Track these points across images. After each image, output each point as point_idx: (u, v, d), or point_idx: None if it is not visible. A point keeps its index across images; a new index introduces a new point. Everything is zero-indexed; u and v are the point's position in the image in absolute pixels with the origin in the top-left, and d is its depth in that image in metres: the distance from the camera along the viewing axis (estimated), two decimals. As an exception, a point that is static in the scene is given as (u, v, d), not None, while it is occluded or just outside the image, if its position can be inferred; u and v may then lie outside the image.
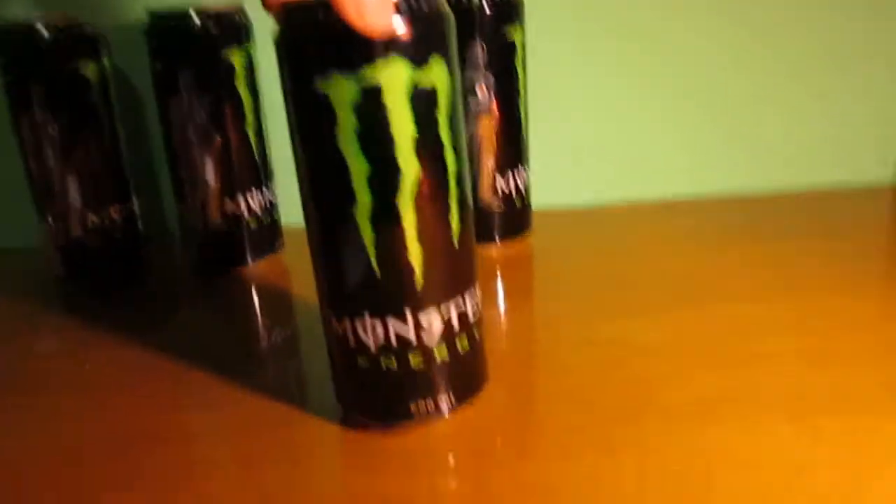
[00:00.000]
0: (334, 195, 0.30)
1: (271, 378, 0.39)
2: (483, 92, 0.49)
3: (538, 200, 0.55)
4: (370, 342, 0.31)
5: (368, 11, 0.27)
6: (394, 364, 0.32)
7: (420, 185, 0.30)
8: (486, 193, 0.51)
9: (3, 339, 0.46)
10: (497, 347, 0.39)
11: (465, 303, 0.32)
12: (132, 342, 0.43)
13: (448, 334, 0.32)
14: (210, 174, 0.50)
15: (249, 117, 0.50)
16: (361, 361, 0.32)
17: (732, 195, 0.61)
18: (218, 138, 0.49)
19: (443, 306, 0.31)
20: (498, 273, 0.50)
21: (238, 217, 0.51)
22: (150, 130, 0.59)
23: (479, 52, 0.48)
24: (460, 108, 0.31)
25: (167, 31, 0.48)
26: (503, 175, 0.51)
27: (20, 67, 0.47)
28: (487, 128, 0.50)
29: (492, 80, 0.49)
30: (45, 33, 0.46)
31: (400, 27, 0.28)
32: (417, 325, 0.31)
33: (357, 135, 0.29)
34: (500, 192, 0.51)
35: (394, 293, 0.31)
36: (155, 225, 0.59)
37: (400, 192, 0.30)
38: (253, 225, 0.51)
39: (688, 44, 0.59)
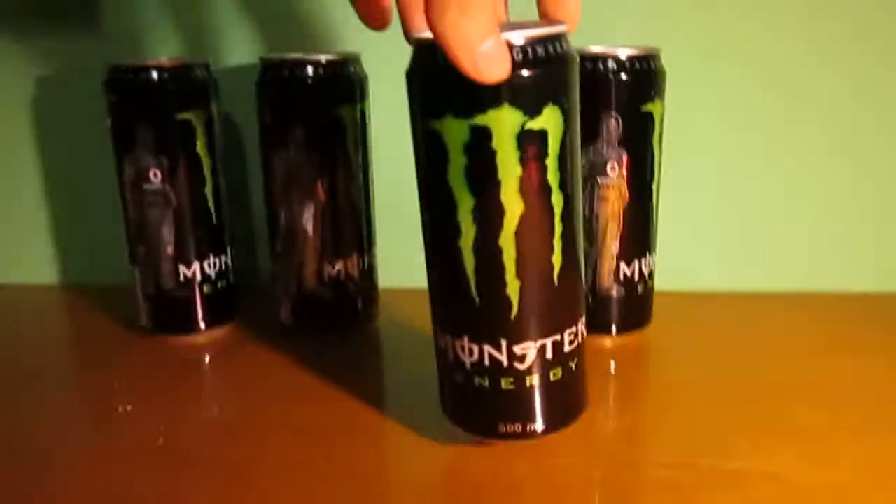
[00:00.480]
0: (443, 225, 0.32)
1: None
2: (614, 170, 0.44)
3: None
4: (466, 360, 0.33)
5: (485, 63, 0.27)
6: (486, 383, 0.33)
7: (522, 223, 0.31)
8: (605, 280, 0.46)
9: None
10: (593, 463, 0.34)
11: (562, 338, 0.33)
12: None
13: (541, 364, 0.33)
14: (311, 232, 0.46)
15: (357, 175, 0.47)
16: (458, 376, 0.34)
17: (881, 293, 0.54)
18: (322, 197, 0.46)
19: (539, 340, 0.33)
20: (611, 368, 0.45)
21: (338, 281, 0.47)
22: (248, 181, 0.57)
23: (614, 125, 0.43)
24: (575, 149, 0.32)
25: (278, 83, 0.45)
26: (629, 263, 0.46)
27: (126, 109, 0.45)
28: (615, 209, 0.44)
29: (624, 158, 0.44)
30: (155, 75, 0.44)
31: (517, 76, 0.29)
32: (511, 355, 0.33)
33: (465, 172, 0.30)
34: (622, 279, 0.46)
35: (491, 322, 0.32)
36: (245, 276, 0.56)
37: (503, 230, 0.31)
38: (351, 287, 0.48)
39: (850, 128, 0.52)
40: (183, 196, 0.47)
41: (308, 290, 0.47)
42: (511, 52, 0.28)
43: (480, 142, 0.29)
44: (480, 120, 0.29)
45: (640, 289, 0.46)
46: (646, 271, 0.46)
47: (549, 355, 0.33)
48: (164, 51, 0.54)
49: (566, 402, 0.35)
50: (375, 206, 0.49)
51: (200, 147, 0.47)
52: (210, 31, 0.54)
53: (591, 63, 0.43)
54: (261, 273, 0.58)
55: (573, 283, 0.33)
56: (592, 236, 0.45)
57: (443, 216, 0.32)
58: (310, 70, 0.44)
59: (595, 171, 0.44)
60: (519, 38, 0.29)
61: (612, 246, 0.45)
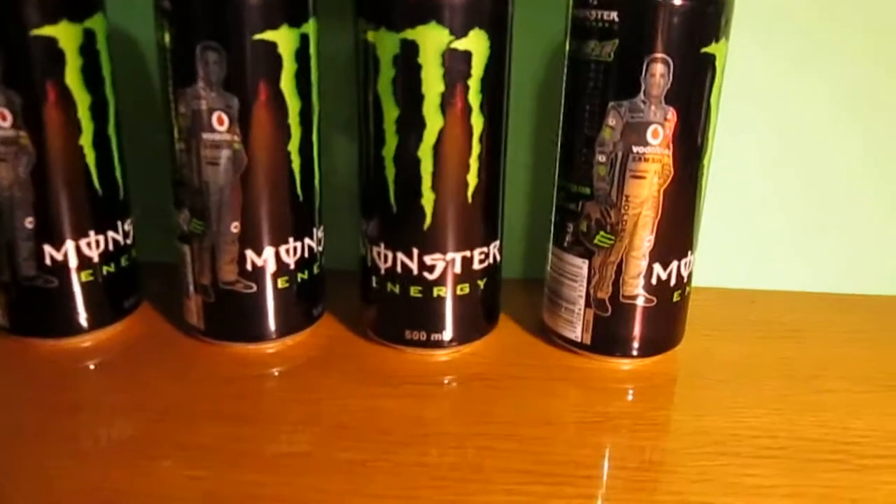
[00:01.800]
0: (369, 135, 0.33)
1: None
2: (657, 136, 0.31)
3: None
4: (381, 266, 0.34)
5: None
6: (397, 290, 0.34)
7: (441, 138, 0.32)
8: (630, 284, 0.34)
9: None
10: None
11: (472, 255, 0.34)
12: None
13: (450, 278, 0.34)
14: (235, 197, 0.33)
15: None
16: (374, 282, 0.35)
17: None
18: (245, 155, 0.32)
19: (448, 254, 0.34)
20: (627, 401, 0.33)
21: (259, 271, 0.34)
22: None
23: (661, 72, 0.30)
24: (501, 76, 0.33)
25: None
26: (665, 264, 0.34)
27: None
28: (653, 190, 0.32)
29: (673, 119, 0.31)
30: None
31: None
32: (421, 264, 0.34)
33: (392, 84, 0.31)
34: (653, 284, 0.34)
35: (405, 231, 0.33)
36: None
37: (422, 142, 0.31)
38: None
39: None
40: (48, 146, 0.33)
41: (224, 279, 0.35)
42: None
43: (408, 55, 0.30)
44: (409, 34, 0.30)
45: (675, 297, 0.35)
46: (685, 274, 0.35)
47: (457, 269, 0.34)
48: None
49: (472, 318, 0.36)
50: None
51: (71, 76, 0.33)
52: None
53: (629, -19, 0.30)
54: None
55: (486, 206, 0.34)
56: (618, 226, 0.33)
57: (370, 126, 0.33)
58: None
59: (629, 136, 0.31)
60: None
61: (645, 240, 0.33)
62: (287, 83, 0.32)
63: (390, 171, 0.32)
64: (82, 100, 0.33)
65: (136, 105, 0.38)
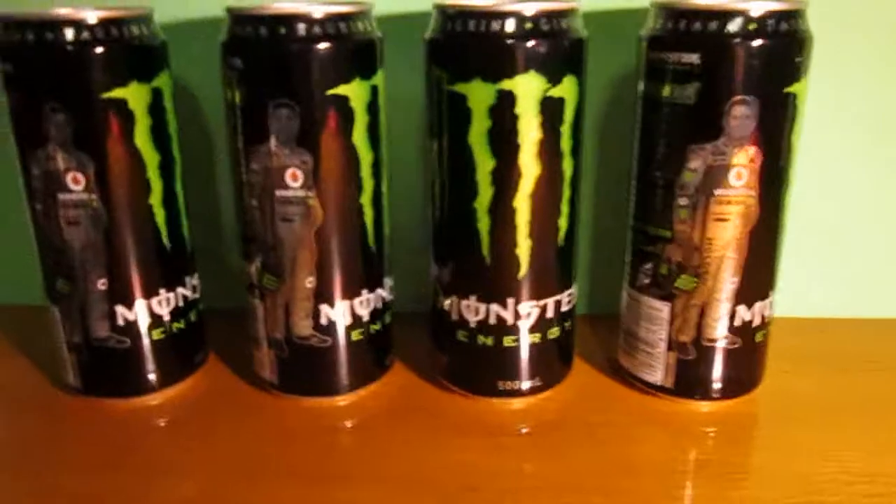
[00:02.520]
0: (459, 187, 0.32)
1: None
2: (741, 178, 0.31)
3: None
4: (471, 319, 0.34)
5: None
6: (490, 342, 0.34)
7: (536, 186, 0.31)
8: (712, 328, 0.33)
9: None
10: None
11: (561, 299, 0.34)
12: None
13: (542, 324, 0.34)
14: (310, 252, 0.33)
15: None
16: (461, 336, 0.34)
17: None
18: (321, 213, 0.32)
19: (542, 300, 0.33)
20: (709, 445, 0.32)
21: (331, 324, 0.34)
22: (215, 183, 0.42)
23: (744, 114, 0.30)
24: (583, 120, 0.32)
25: (256, 45, 0.31)
26: (749, 305, 0.33)
27: (29, 84, 0.31)
28: (738, 233, 0.31)
29: (757, 161, 0.31)
30: (71, 35, 0.30)
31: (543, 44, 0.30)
32: (516, 313, 0.33)
33: (488, 134, 0.30)
34: (737, 326, 0.33)
35: (500, 282, 0.33)
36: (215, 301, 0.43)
37: (519, 191, 0.31)
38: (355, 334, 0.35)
39: None
40: (119, 208, 0.33)
41: (298, 334, 0.34)
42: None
43: (505, 105, 0.30)
44: (507, 85, 0.29)
45: (758, 337, 0.34)
46: (767, 315, 0.34)
47: (549, 314, 0.34)
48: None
49: (562, 361, 0.36)
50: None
51: (141, 138, 0.32)
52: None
53: (709, 21, 0.29)
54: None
55: (573, 247, 0.34)
56: (700, 270, 0.32)
57: (460, 178, 0.32)
58: (305, 29, 0.30)
59: (710, 180, 0.31)
60: (531, 9, 0.29)
61: (729, 283, 0.32)
62: (359, 136, 0.32)
63: (483, 223, 0.32)
64: (151, 159, 0.33)
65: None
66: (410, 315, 0.37)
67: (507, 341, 0.34)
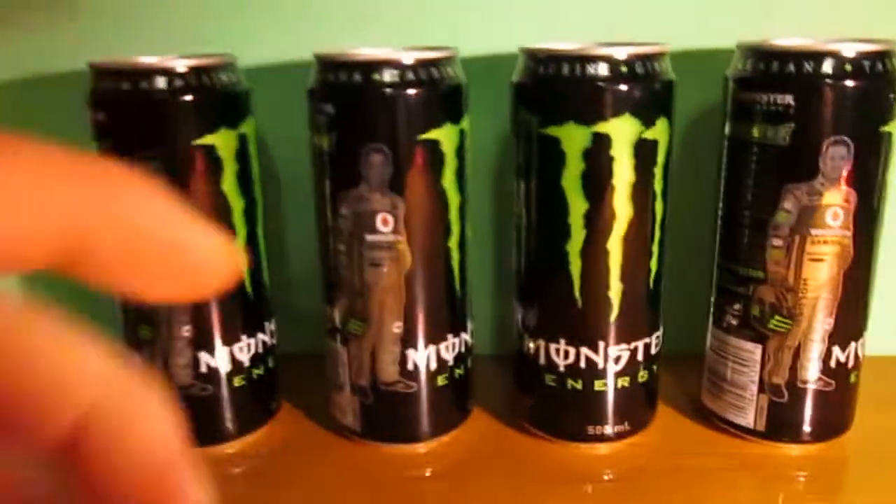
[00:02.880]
0: (551, 229, 0.32)
1: None
2: (837, 219, 0.31)
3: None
4: (560, 363, 0.33)
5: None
6: (579, 385, 0.33)
7: (630, 228, 0.31)
8: (807, 369, 0.32)
9: None
10: None
11: (650, 341, 0.34)
12: None
13: (632, 367, 0.33)
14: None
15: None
16: (548, 380, 0.34)
17: None
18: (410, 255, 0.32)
19: (633, 342, 0.33)
20: (812, 483, 0.32)
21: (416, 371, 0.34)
22: (287, 224, 0.42)
23: (841, 155, 0.30)
24: (671, 161, 0.32)
25: (344, 90, 0.31)
26: (843, 347, 0.32)
27: (122, 132, 0.31)
28: (834, 273, 0.31)
29: (852, 201, 0.30)
30: (163, 83, 0.30)
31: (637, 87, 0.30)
32: (606, 356, 0.33)
33: (582, 177, 0.30)
34: (832, 367, 0.33)
35: (591, 324, 0.33)
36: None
37: (612, 234, 0.31)
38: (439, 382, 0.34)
39: None
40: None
41: (384, 380, 0.34)
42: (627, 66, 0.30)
43: (600, 148, 0.30)
44: (602, 128, 0.29)
45: (852, 378, 0.33)
46: (861, 354, 0.33)
47: (639, 357, 0.33)
48: (163, 45, 0.39)
49: (648, 405, 0.36)
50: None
51: (228, 184, 0.32)
52: (235, 16, 0.39)
53: (804, 61, 0.29)
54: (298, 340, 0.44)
55: (661, 289, 0.34)
56: (794, 311, 0.32)
57: (551, 220, 0.32)
58: (396, 74, 0.30)
59: (806, 220, 0.31)
60: (623, 52, 0.30)
61: (824, 323, 0.32)
62: (449, 180, 0.32)
63: (575, 265, 0.31)
64: (237, 204, 0.33)
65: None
66: (489, 358, 0.37)
67: (597, 385, 0.33)
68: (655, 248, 0.32)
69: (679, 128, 0.39)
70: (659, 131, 0.31)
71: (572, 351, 0.33)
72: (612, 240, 0.31)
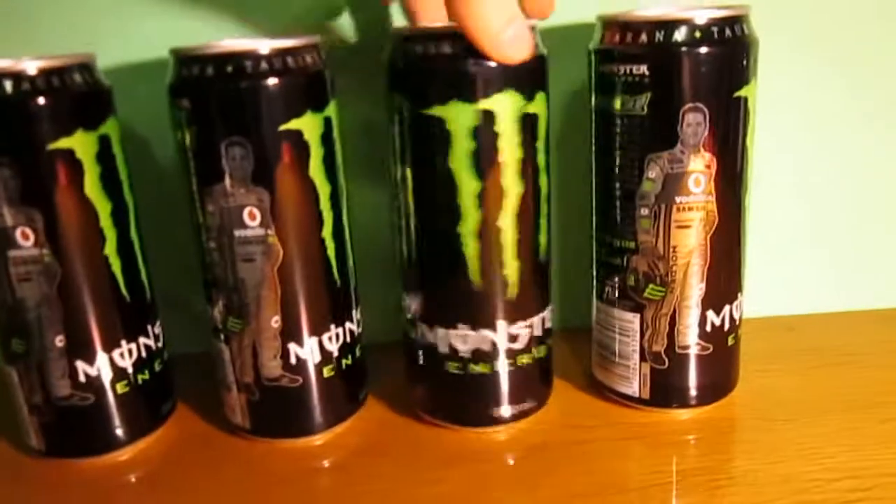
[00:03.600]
0: (441, 212, 0.31)
1: None
2: (699, 185, 0.31)
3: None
4: (461, 349, 0.33)
5: (510, 48, 0.28)
6: (484, 369, 0.33)
7: (520, 204, 0.31)
8: (684, 335, 0.33)
9: None
10: None
11: (545, 315, 0.34)
12: None
13: (531, 342, 0.34)
14: (270, 291, 0.32)
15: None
16: (451, 367, 0.33)
17: None
18: (281, 248, 0.32)
19: (530, 319, 0.33)
20: (690, 453, 0.32)
21: (301, 365, 0.33)
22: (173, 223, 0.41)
23: (697, 121, 0.30)
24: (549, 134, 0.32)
25: (203, 85, 0.30)
26: (718, 310, 0.33)
27: None
28: (701, 239, 0.32)
29: (713, 166, 0.31)
30: (9, 87, 0.29)
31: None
32: (508, 336, 0.33)
33: (471, 156, 0.30)
34: (707, 331, 0.33)
35: (490, 305, 0.32)
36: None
37: (503, 211, 0.31)
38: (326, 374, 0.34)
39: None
40: (72, 262, 0.32)
41: (268, 375, 0.33)
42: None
43: (486, 125, 0.30)
44: (486, 104, 0.29)
45: (729, 341, 0.34)
46: (737, 317, 0.34)
47: (537, 332, 0.34)
48: (23, 47, 0.38)
49: (546, 381, 0.36)
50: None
51: (90, 187, 0.32)
52: (94, 13, 0.38)
53: (656, 31, 0.30)
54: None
55: (550, 262, 0.34)
56: (667, 278, 0.32)
57: (441, 203, 0.31)
58: (253, 65, 0.30)
59: (670, 188, 0.31)
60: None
61: (696, 288, 0.32)
62: (316, 169, 0.31)
63: (471, 247, 0.31)
64: (103, 208, 0.32)
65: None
66: (380, 346, 0.37)
67: (498, 366, 0.33)
68: (543, 223, 0.32)
69: (559, 103, 0.39)
70: (538, 105, 0.30)
71: (472, 335, 0.32)
72: (504, 217, 0.31)
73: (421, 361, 0.34)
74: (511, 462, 0.33)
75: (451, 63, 0.29)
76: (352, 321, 0.35)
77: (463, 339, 0.33)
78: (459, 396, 0.34)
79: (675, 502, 0.30)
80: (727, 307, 0.33)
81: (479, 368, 0.33)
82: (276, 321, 0.32)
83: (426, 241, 0.33)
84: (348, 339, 0.34)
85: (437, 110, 0.30)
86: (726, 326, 0.33)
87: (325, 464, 0.34)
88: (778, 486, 0.30)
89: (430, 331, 0.33)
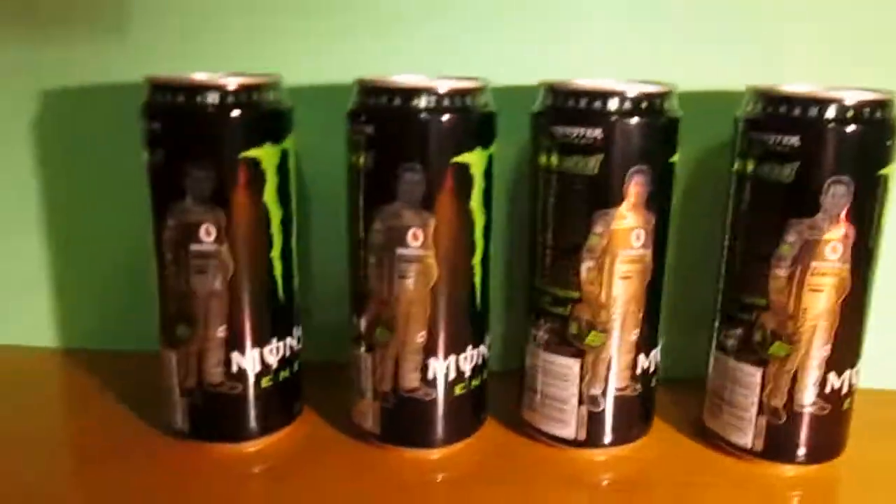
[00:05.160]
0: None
1: None
2: (836, 252, 0.33)
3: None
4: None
5: None
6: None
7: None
8: (804, 394, 0.35)
9: None
10: None
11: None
12: None
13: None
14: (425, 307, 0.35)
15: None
16: None
17: None
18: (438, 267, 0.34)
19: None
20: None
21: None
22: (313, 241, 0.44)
23: (842, 193, 0.32)
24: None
25: (382, 112, 0.33)
26: (839, 373, 0.35)
27: (173, 142, 0.34)
28: (832, 303, 0.33)
29: (851, 236, 0.33)
30: (215, 98, 0.33)
31: None
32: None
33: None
34: (827, 393, 0.35)
35: None
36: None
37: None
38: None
39: None
40: (244, 260, 0.35)
41: (406, 386, 0.36)
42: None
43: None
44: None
45: (845, 404, 0.35)
46: (854, 381, 0.35)
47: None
48: (213, 63, 0.42)
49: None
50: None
51: (269, 196, 0.35)
52: (284, 38, 0.42)
53: (807, 108, 0.32)
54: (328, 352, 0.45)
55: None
56: (794, 337, 0.34)
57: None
58: (433, 101, 0.32)
59: (807, 251, 0.33)
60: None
61: (822, 350, 0.34)
62: (477, 201, 0.34)
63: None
64: (276, 215, 0.35)
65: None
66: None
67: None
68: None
69: (686, 165, 0.42)
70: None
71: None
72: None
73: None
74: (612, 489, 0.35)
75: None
76: (484, 345, 0.37)
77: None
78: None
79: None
80: (848, 371, 0.35)
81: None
82: (421, 336, 0.35)
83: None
84: (479, 362, 0.37)
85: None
86: (844, 390, 0.35)
87: (440, 477, 0.36)
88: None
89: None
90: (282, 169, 0.35)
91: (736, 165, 0.35)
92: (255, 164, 0.34)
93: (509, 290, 0.43)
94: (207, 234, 0.34)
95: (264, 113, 0.34)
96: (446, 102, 0.33)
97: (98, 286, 0.47)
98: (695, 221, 0.41)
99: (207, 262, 0.34)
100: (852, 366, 0.35)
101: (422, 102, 0.32)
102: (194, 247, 0.34)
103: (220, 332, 0.35)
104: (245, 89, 0.33)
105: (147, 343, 0.38)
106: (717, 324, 0.37)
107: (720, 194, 0.36)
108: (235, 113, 0.33)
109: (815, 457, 0.36)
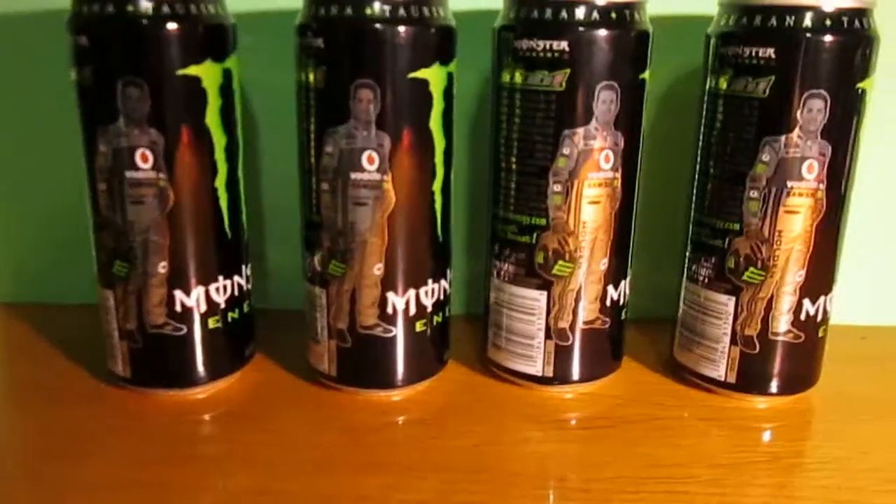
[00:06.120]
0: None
1: None
2: (812, 171, 0.31)
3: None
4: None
5: None
6: None
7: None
8: (778, 321, 0.33)
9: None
10: None
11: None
12: None
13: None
14: (380, 239, 0.33)
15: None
16: None
17: None
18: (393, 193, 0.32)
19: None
20: (767, 442, 0.33)
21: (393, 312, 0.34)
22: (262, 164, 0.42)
23: (818, 108, 0.31)
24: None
25: (339, 26, 0.31)
26: (814, 299, 0.33)
27: (103, 59, 0.31)
28: (807, 226, 0.32)
29: (827, 154, 0.31)
30: (148, 8, 0.30)
31: None
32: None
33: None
34: (802, 320, 0.33)
35: None
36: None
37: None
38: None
39: None
40: (185, 189, 0.32)
41: (363, 323, 0.34)
42: None
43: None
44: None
45: (820, 332, 0.34)
46: (829, 308, 0.34)
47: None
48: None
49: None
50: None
51: (212, 119, 0.32)
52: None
53: (782, 17, 0.30)
54: (276, 293, 0.43)
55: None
56: (769, 262, 0.32)
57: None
58: (388, 10, 0.30)
59: (784, 171, 0.31)
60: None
61: (796, 275, 0.33)
62: (436, 121, 0.32)
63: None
64: (219, 141, 0.32)
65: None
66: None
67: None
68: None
69: (657, 86, 0.40)
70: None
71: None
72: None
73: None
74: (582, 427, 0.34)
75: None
76: (446, 279, 0.35)
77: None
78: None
79: (770, 479, 0.30)
80: (822, 298, 0.33)
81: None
82: (378, 269, 0.32)
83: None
84: (441, 297, 0.35)
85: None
86: (819, 317, 0.34)
87: (401, 420, 0.34)
88: (870, 475, 0.30)
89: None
90: (225, 90, 0.32)
91: (708, 84, 0.33)
92: (194, 82, 0.31)
93: (472, 232, 0.41)
94: (144, 160, 0.31)
95: (205, 27, 0.31)
96: (402, 12, 0.30)
97: (31, 235, 0.44)
98: (669, 146, 0.39)
99: (144, 192, 0.31)
100: (826, 292, 0.34)
101: (376, 12, 0.30)
102: (129, 174, 0.31)
103: (161, 268, 0.32)
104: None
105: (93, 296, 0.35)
106: (688, 253, 0.35)
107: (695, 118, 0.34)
108: (172, 25, 0.30)
109: (788, 388, 0.35)
